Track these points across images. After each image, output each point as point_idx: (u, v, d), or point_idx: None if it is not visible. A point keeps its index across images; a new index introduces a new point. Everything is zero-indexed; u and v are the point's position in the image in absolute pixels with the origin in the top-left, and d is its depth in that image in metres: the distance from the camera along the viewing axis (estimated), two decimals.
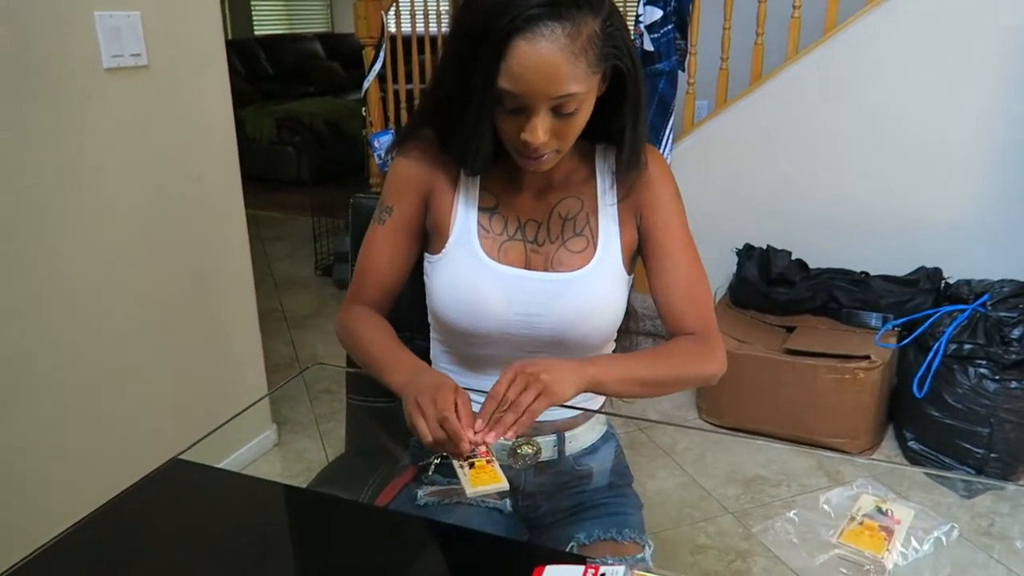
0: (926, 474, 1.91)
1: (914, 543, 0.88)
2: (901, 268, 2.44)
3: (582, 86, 0.86)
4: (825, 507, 0.95)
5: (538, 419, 0.86)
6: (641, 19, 2.39)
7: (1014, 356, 1.99)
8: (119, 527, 0.88)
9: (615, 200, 1.02)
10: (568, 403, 0.91)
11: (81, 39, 1.62)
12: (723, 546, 1.85)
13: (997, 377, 2.01)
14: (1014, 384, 2.00)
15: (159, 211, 1.85)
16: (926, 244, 2.46)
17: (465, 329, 1.01)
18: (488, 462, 0.87)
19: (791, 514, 0.94)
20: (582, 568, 0.75)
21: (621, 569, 0.74)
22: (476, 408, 0.88)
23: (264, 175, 5.41)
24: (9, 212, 1.54)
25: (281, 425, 2.36)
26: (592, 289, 1.00)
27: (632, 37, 0.95)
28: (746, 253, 2.56)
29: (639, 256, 1.06)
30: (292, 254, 4.14)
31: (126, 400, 1.83)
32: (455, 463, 0.87)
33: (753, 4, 2.56)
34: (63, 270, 1.65)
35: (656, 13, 2.36)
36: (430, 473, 1.03)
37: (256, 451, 2.22)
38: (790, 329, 2.41)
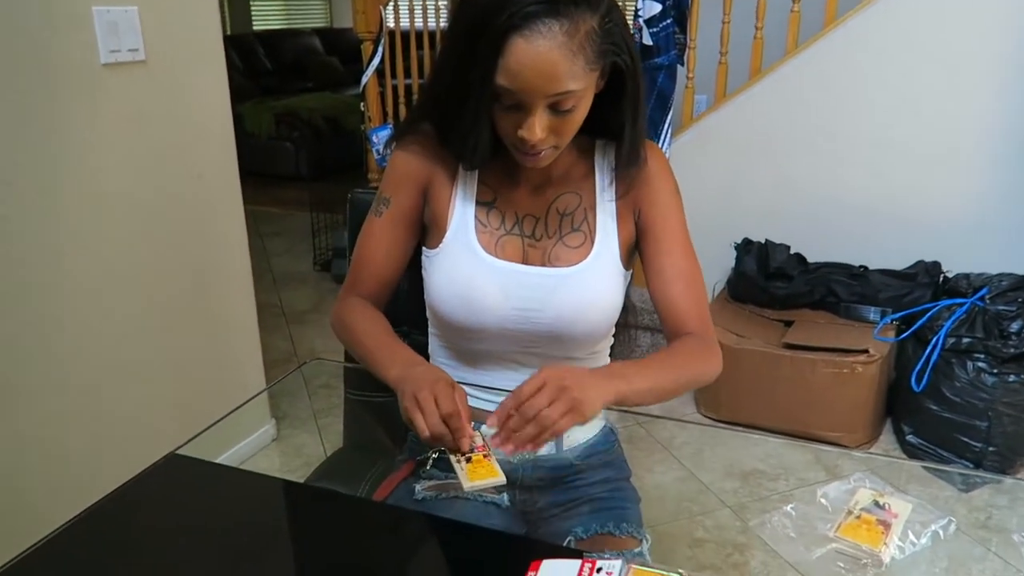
0: (924, 468, 1.91)
1: (911, 537, 0.88)
2: (900, 262, 2.44)
3: (580, 83, 0.85)
4: (822, 501, 0.95)
5: None
6: (640, 13, 2.39)
7: (1012, 350, 1.99)
8: (116, 523, 0.88)
9: (614, 197, 1.02)
10: None
11: (78, 34, 1.61)
12: (721, 540, 1.85)
13: (995, 371, 2.01)
14: (1012, 378, 2.01)
15: (157, 207, 1.85)
16: (925, 238, 2.46)
17: (462, 324, 1.01)
18: (485, 456, 0.87)
19: (788, 508, 0.95)
20: (579, 562, 0.75)
21: (618, 563, 0.74)
22: (473, 403, 0.88)
23: (263, 171, 5.40)
24: (5, 208, 1.53)
25: (280, 420, 2.36)
26: (589, 284, 1.00)
27: (631, 32, 0.95)
28: (744, 247, 2.56)
29: (637, 251, 1.06)
30: (291, 249, 4.14)
31: (124, 396, 1.83)
32: (452, 458, 0.87)
33: None
34: (60, 266, 1.65)
35: (655, 7, 2.35)
36: (428, 468, 1.02)
37: (255, 446, 2.22)
38: (788, 323, 2.41)
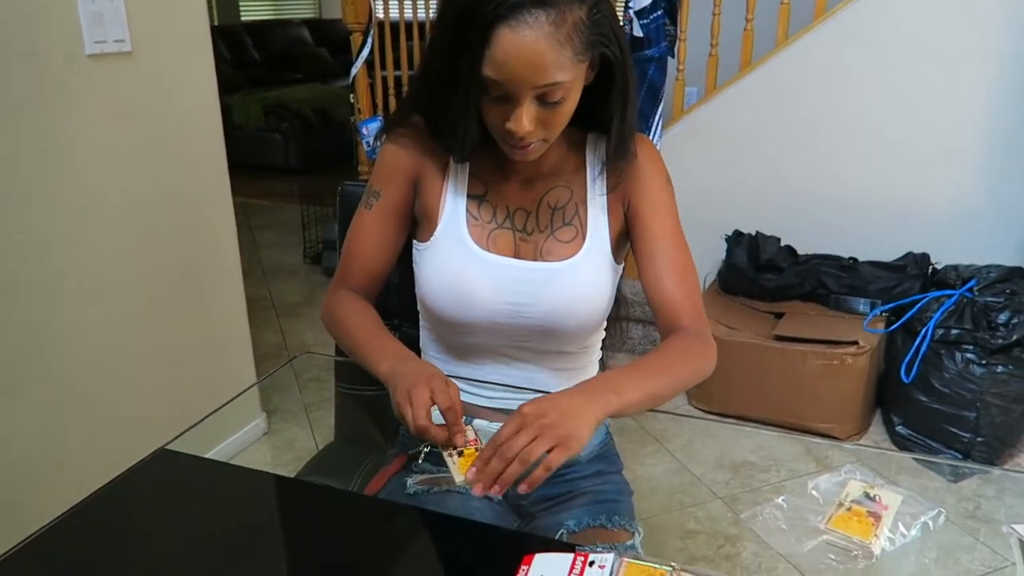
0: (914, 459, 1.93)
1: (901, 528, 0.88)
2: (889, 254, 2.45)
3: (567, 75, 0.85)
4: (813, 493, 0.95)
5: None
6: (631, 5, 2.38)
7: (1001, 341, 2.01)
8: (105, 519, 0.87)
9: (604, 190, 1.01)
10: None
11: (63, 24, 1.59)
12: (713, 531, 1.86)
13: (984, 362, 2.03)
14: (1000, 369, 2.02)
15: (144, 200, 1.84)
16: (914, 230, 2.47)
17: (453, 318, 1.01)
18: (477, 450, 0.87)
19: (779, 500, 0.95)
20: (571, 556, 0.75)
21: (610, 556, 0.74)
22: (465, 397, 0.88)
23: (252, 162, 5.37)
24: None
25: (271, 414, 2.36)
26: (580, 279, 0.99)
27: (622, 23, 0.94)
28: (735, 239, 2.56)
29: (629, 244, 1.05)
30: (280, 242, 4.12)
31: (112, 391, 1.82)
32: (444, 452, 0.87)
33: None
34: (47, 261, 1.63)
35: None
36: (419, 462, 1.02)
37: (246, 440, 2.22)
38: (779, 315, 2.42)
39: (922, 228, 2.46)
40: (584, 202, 1.02)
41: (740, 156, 2.67)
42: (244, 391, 2.16)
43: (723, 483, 2.04)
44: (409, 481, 1.02)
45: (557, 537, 0.99)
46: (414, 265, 1.05)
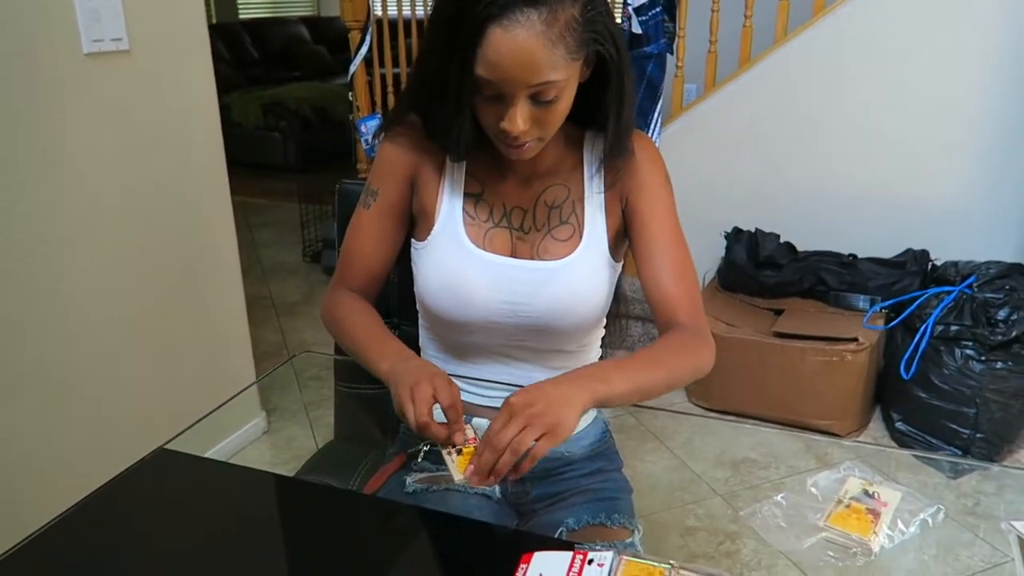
0: (913, 455, 1.93)
1: (900, 525, 0.88)
2: (889, 250, 2.45)
3: (561, 74, 0.84)
4: (812, 490, 0.95)
5: None
6: (629, 2, 2.37)
7: (1000, 337, 2.01)
8: (103, 518, 0.87)
9: (602, 188, 1.01)
10: None
11: (60, 23, 1.59)
12: (712, 528, 1.86)
13: (983, 358, 2.03)
14: (1000, 365, 2.02)
15: (143, 199, 1.83)
16: (913, 226, 2.47)
17: (451, 317, 1.01)
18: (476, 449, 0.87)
19: (779, 497, 0.95)
20: (571, 554, 0.75)
21: (610, 554, 0.74)
22: (464, 396, 0.88)
23: (250, 161, 5.36)
24: None
25: (271, 412, 2.36)
26: (578, 278, 0.99)
27: (621, 20, 0.94)
28: (734, 236, 2.56)
29: (627, 241, 1.05)
30: (280, 241, 4.12)
31: (112, 390, 1.82)
32: (443, 450, 0.87)
33: None
34: (45, 260, 1.63)
35: None
36: (419, 460, 1.02)
37: (246, 439, 2.22)
38: (778, 312, 2.41)
39: (921, 225, 2.46)
40: (581, 200, 1.01)
41: (739, 153, 2.67)
42: (243, 390, 2.16)
43: (723, 480, 2.04)
44: (408, 480, 1.02)
45: (556, 535, 0.99)
46: (412, 264, 1.05)
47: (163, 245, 1.90)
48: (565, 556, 0.74)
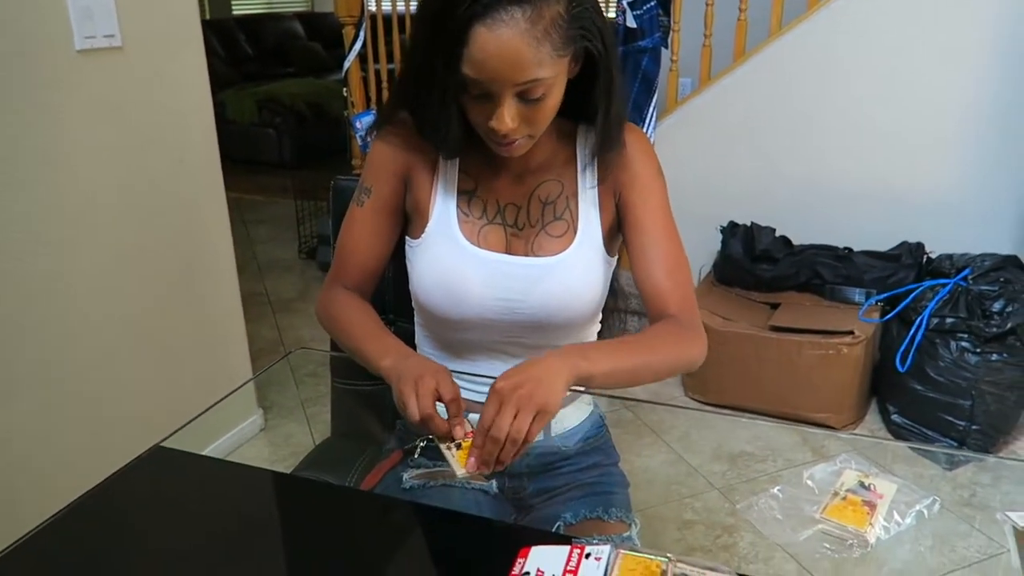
0: (909, 447, 1.93)
1: (896, 517, 0.89)
2: (884, 243, 2.45)
3: (547, 71, 0.84)
4: (809, 483, 0.96)
5: None
6: None
7: (995, 329, 2.01)
8: (100, 516, 0.87)
9: (595, 182, 1.01)
10: None
11: (52, 20, 1.58)
12: (710, 521, 1.86)
13: (978, 350, 2.03)
14: (995, 357, 2.03)
15: (138, 197, 1.83)
16: (908, 219, 2.47)
17: (446, 314, 1.01)
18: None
19: (775, 490, 0.95)
20: (568, 548, 0.75)
21: (607, 548, 0.74)
22: (461, 392, 0.88)
23: (245, 157, 5.35)
24: None
25: (268, 409, 2.35)
26: (572, 273, 0.99)
27: (615, 15, 0.94)
28: (730, 230, 2.56)
29: (621, 236, 1.05)
30: (275, 237, 4.11)
31: (107, 388, 1.82)
32: (442, 446, 0.87)
33: None
34: (39, 259, 1.63)
35: None
36: (416, 456, 1.02)
37: (242, 436, 2.22)
38: (774, 306, 2.42)
39: (916, 217, 2.46)
40: (575, 195, 1.01)
41: (734, 147, 2.67)
42: (240, 387, 2.16)
43: (720, 473, 2.05)
44: (406, 475, 1.03)
45: (554, 530, 0.99)
46: (407, 262, 1.05)
47: (158, 243, 1.90)
48: (562, 550, 0.74)
